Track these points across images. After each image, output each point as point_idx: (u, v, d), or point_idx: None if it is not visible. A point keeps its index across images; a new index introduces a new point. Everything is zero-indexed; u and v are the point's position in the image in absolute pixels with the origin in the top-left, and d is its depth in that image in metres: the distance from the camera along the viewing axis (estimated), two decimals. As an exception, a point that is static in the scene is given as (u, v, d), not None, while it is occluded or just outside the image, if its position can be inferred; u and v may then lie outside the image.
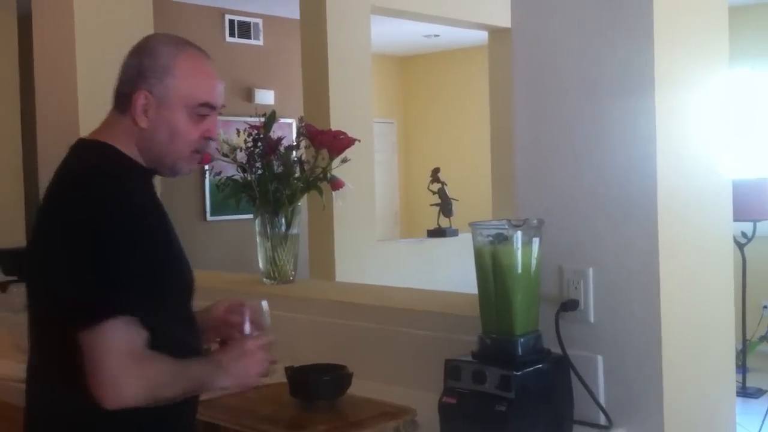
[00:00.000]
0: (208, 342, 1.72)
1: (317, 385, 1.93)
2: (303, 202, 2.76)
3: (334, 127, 2.92)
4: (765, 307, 6.46)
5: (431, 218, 6.29)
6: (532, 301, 1.71)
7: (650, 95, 1.68)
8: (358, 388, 1.95)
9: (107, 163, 1.57)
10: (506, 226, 1.70)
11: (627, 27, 1.71)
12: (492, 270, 1.70)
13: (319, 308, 2.45)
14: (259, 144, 2.59)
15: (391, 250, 5.67)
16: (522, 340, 1.67)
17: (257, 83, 7.14)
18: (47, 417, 1.58)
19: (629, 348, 1.72)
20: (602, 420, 1.73)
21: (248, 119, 2.73)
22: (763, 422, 4.52)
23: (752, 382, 5.56)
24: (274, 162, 2.60)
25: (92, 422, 1.47)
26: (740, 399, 5.03)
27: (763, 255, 5.92)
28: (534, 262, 1.70)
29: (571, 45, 1.80)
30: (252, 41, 7.20)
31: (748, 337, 5.64)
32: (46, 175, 3.49)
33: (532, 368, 1.65)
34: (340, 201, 2.89)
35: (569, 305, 1.76)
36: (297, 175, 2.65)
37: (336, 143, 2.64)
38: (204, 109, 1.60)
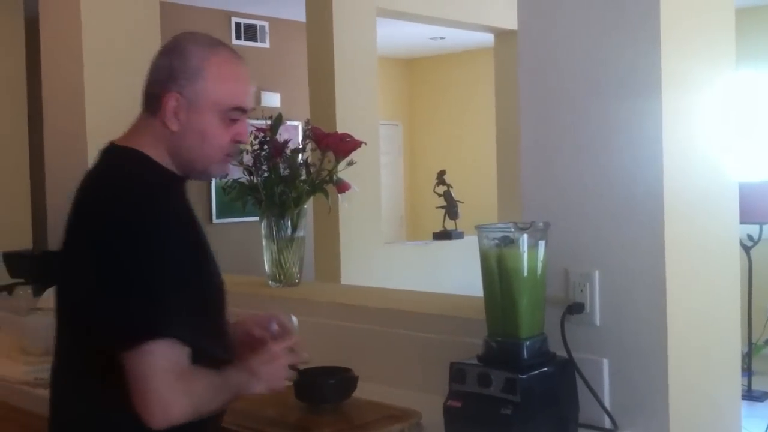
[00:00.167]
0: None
1: (323, 388, 1.93)
2: (309, 205, 2.76)
3: (340, 129, 2.93)
4: (771, 310, 6.43)
5: (437, 221, 6.29)
6: (537, 304, 1.71)
7: (656, 97, 1.68)
8: (363, 391, 1.95)
9: (144, 174, 1.54)
10: (512, 229, 1.70)
11: (633, 28, 1.71)
12: (498, 273, 1.70)
13: (324, 311, 2.45)
14: (266, 147, 2.60)
15: (397, 252, 5.67)
16: (527, 343, 1.67)
17: (264, 86, 7.16)
18: (73, 425, 1.57)
19: (635, 351, 1.72)
20: (607, 423, 1.73)
21: (255, 122, 2.73)
22: (769, 426, 4.51)
23: (758, 385, 5.55)
24: (280, 165, 2.60)
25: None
26: (746, 402, 5.01)
27: (770, 258, 5.90)
28: (540, 265, 1.70)
29: (577, 46, 1.80)
30: (258, 44, 7.22)
31: (753, 340, 5.62)
32: (52, 178, 3.52)
33: (537, 371, 1.65)
34: (345, 203, 2.89)
35: (575, 308, 1.76)
36: (303, 177, 2.65)
37: (342, 146, 2.64)
38: (235, 114, 1.56)
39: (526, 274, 1.68)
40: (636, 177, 1.72)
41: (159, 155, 1.56)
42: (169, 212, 1.50)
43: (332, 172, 2.66)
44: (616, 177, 1.74)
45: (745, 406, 4.40)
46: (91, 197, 1.54)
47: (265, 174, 2.61)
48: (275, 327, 1.70)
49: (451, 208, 6.13)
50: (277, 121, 2.65)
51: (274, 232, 2.65)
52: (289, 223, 2.65)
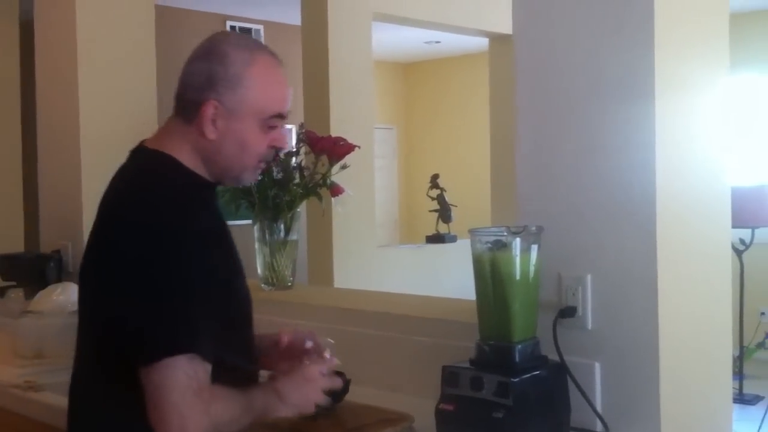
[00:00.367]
0: (267, 368, 1.67)
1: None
2: (302, 208, 2.76)
3: (334, 133, 2.92)
4: (762, 313, 6.46)
5: (430, 224, 6.29)
6: (530, 308, 1.71)
7: (650, 101, 1.68)
8: (356, 395, 1.95)
9: (174, 180, 1.48)
10: (505, 233, 1.71)
11: (628, 33, 1.72)
12: (490, 276, 1.70)
13: (317, 314, 2.45)
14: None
15: (390, 256, 5.67)
16: (520, 346, 1.68)
17: (257, 89, 7.14)
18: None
19: (627, 355, 1.72)
20: (599, 427, 1.73)
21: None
22: (759, 428, 4.52)
23: (749, 388, 5.57)
24: (274, 168, 2.60)
25: None
26: (737, 405, 5.03)
27: (761, 262, 5.93)
28: (532, 268, 1.71)
29: (573, 51, 1.80)
30: (253, 47, 7.21)
31: (745, 343, 5.65)
32: (45, 181, 3.51)
33: (529, 375, 1.65)
34: (339, 207, 2.90)
35: (567, 312, 1.77)
36: (296, 181, 2.65)
37: (336, 149, 2.64)
38: (275, 120, 1.52)
39: (518, 277, 1.69)
40: (629, 181, 1.72)
41: (190, 161, 1.50)
42: (198, 222, 1.44)
43: (326, 175, 2.66)
44: (609, 181, 1.75)
45: (736, 410, 4.43)
46: (117, 201, 1.49)
47: (259, 177, 2.61)
48: (309, 344, 1.62)
49: (444, 212, 6.14)
50: (271, 124, 2.65)
51: (267, 236, 2.65)
52: (282, 226, 2.65)
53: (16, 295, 3.04)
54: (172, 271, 1.37)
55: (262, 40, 7.24)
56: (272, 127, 1.52)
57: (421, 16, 5.70)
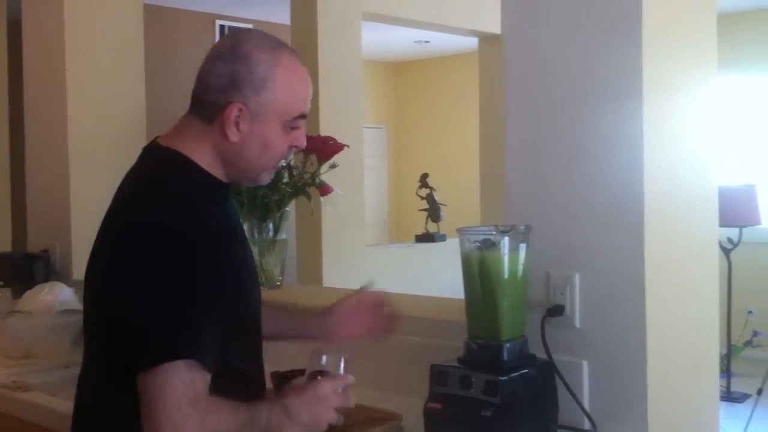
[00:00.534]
0: (336, 340, 1.71)
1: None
2: (291, 208, 2.76)
3: (323, 132, 2.92)
4: (750, 312, 6.49)
5: (420, 223, 6.30)
6: (518, 307, 1.72)
7: (638, 101, 1.69)
8: (345, 393, 1.95)
9: (186, 182, 1.45)
10: (493, 232, 1.71)
11: (616, 33, 1.72)
12: (479, 275, 1.71)
13: (306, 313, 2.44)
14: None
15: (379, 255, 5.67)
16: (508, 345, 1.68)
17: (247, 88, 7.13)
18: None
19: (614, 353, 1.73)
20: (587, 425, 1.74)
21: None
22: (747, 426, 4.55)
23: (737, 386, 5.60)
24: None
25: None
26: (725, 403, 5.06)
27: (748, 260, 5.96)
28: (521, 267, 1.71)
29: (561, 51, 1.81)
30: (242, 46, 7.20)
31: (733, 342, 5.68)
32: (33, 180, 3.50)
33: (518, 373, 1.66)
34: (328, 207, 2.90)
35: (555, 311, 1.77)
36: (285, 180, 2.65)
37: (325, 148, 2.64)
38: (298, 121, 1.50)
39: (507, 276, 1.69)
40: (617, 180, 1.73)
41: (205, 161, 1.47)
42: (208, 223, 1.39)
43: (315, 174, 2.66)
44: (597, 180, 1.76)
45: (724, 408, 4.45)
46: (126, 200, 1.46)
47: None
48: (325, 360, 1.52)
49: (433, 211, 6.14)
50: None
51: (256, 235, 2.65)
52: (272, 225, 2.65)
53: (4, 294, 3.03)
54: (176, 274, 1.32)
55: (252, 39, 7.24)
56: (294, 128, 1.50)
57: (410, 15, 5.71)
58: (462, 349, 1.72)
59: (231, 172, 1.50)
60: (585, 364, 1.75)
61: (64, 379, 2.44)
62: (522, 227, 1.72)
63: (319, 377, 1.48)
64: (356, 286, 1.86)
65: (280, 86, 1.45)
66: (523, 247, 1.72)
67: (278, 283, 2.70)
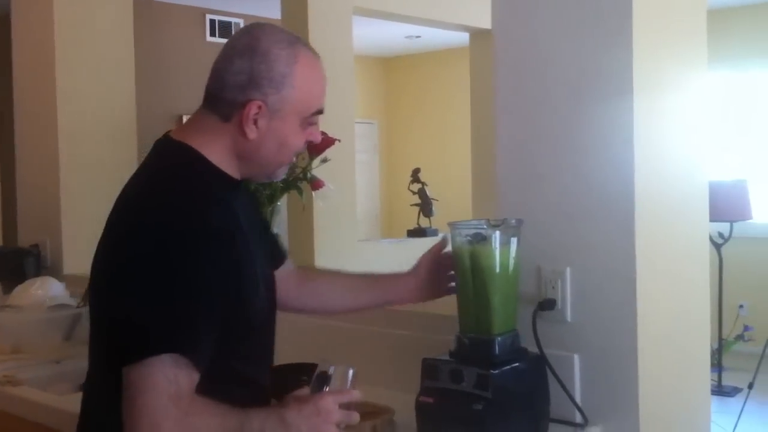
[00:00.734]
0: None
1: (295, 385, 1.93)
2: (283, 202, 2.75)
3: (314, 127, 2.91)
4: (741, 306, 6.53)
5: (411, 218, 6.31)
6: (510, 301, 1.72)
7: (629, 98, 1.69)
8: (336, 388, 1.95)
9: (195, 178, 1.42)
10: (485, 226, 1.71)
11: (607, 30, 1.72)
12: (470, 269, 1.71)
13: (298, 308, 2.44)
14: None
15: (371, 249, 5.68)
16: (499, 339, 1.68)
17: (238, 83, 7.11)
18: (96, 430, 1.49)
19: (606, 347, 1.74)
20: (578, 418, 1.74)
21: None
22: (738, 420, 4.57)
23: (728, 380, 5.63)
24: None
25: None
26: (716, 397, 5.08)
27: (739, 255, 5.99)
28: (512, 261, 1.71)
29: (551, 47, 1.81)
30: (233, 41, 7.18)
31: (724, 336, 5.71)
32: (23, 175, 3.48)
33: (509, 367, 1.66)
34: (320, 201, 2.89)
35: (546, 304, 1.77)
36: (277, 174, 2.64)
37: (316, 143, 2.63)
38: (316, 117, 1.49)
39: (498, 270, 1.69)
40: (608, 176, 1.73)
41: (218, 157, 1.44)
42: (210, 221, 1.36)
43: (306, 169, 2.66)
44: (588, 176, 1.76)
45: (715, 402, 4.47)
46: (133, 198, 1.43)
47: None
48: (332, 370, 1.46)
49: (425, 206, 6.15)
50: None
51: (248, 230, 2.64)
52: (263, 220, 2.64)
53: (-5, 290, 3.02)
54: (173, 271, 1.30)
55: (243, 34, 7.22)
56: (311, 124, 1.50)
57: (401, 10, 5.71)
58: (453, 342, 1.72)
59: (246, 169, 1.49)
60: (576, 357, 1.76)
61: (55, 373, 2.44)
62: (513, 221, 1.72)
63: (324, 387, 1.43)
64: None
65: (299, 83, 1.44)
66: (514, 241, 1.72)
67: (270, 278, 2.69)
